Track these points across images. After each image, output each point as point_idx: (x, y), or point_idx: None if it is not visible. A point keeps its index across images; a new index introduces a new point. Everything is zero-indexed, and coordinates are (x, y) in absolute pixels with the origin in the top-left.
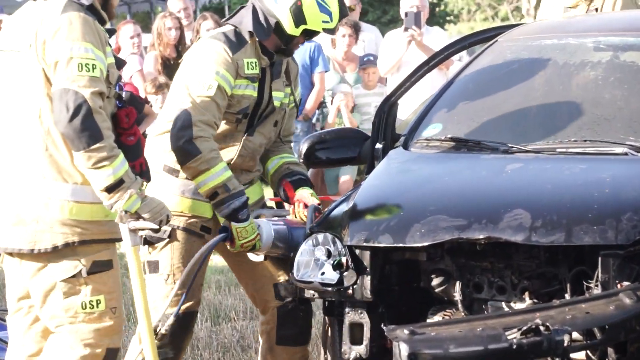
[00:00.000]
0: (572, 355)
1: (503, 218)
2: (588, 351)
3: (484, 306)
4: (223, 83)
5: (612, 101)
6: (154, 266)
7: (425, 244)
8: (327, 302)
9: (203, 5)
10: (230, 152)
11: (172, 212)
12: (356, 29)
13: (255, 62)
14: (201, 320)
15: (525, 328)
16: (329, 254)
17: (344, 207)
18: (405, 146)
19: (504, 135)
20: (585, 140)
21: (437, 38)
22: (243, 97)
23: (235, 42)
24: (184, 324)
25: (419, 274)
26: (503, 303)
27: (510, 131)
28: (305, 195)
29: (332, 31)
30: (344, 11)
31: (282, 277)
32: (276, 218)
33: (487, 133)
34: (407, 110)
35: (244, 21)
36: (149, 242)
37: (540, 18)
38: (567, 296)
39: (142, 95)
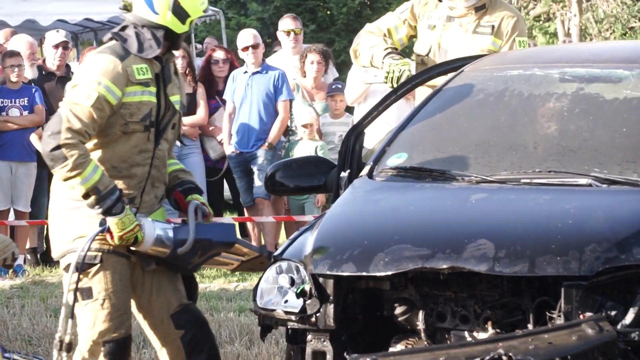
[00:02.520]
0: None
1: (467, 248)
2: None
3: (446, 335)
4: (105, 93)
5: (577, 132)
6: (87, 293)
7: (389, 273)
8: (290, 330)
9: None
10: (146, 166)
11: (98, 238)
12: (325, 56)
13: (146, 68)
14: None
15: (488, 358)
16: (292, 282)
17: (308, 235)
18: (370, 175)
19: (469, 165)
20: (549, 171)
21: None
22: (141, 103)
23: (122, 51)
24: (118, 353)
25: (382, 303)
26: (466, 333)
27: (475, 161)
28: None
29: (207, 9)
30: None
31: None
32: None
33: (452, 163)
34: (373, 139)
35: (129, 42)
36: (78, 269)
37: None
38: (530, 326)
39: None
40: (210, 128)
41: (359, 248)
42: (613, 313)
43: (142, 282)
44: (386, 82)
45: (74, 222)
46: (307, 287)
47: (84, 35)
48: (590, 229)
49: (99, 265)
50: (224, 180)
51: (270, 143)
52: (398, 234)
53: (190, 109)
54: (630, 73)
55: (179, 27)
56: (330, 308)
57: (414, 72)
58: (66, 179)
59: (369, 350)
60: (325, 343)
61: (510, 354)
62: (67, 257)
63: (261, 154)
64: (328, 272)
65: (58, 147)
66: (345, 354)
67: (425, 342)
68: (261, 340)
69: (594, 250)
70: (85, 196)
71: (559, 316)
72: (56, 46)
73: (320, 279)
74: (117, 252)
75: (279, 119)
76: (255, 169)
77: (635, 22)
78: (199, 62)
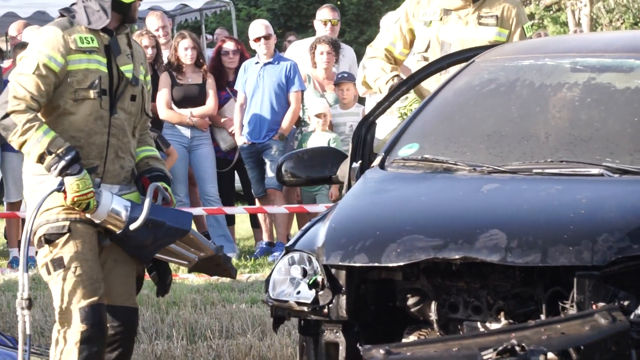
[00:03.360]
0: None
1: (479, 238)
2: None
3: (459, 326)
4: (47, 61)
5: (589, 122)
6: (58, 263)
7: (401, 263)
8: (302, 321)
9: (179, 24)
10: (104, 135)
11: (63, 208)
12: (335, 47)
13: (91, 38)
14: (177, 339)
15: (500, 348)
16: (304, 273)
17: (320, 226)
18: (382, 166)
19: (480, 155)
20: (561, 161)
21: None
22: (88, 71)
23: (67, 23)
24: (95, 317)
25: (395, 294)
26: (478, 323)
27: (486, 151)
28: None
29: None
30: None
31: (127, 301)
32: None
33: (464, 153)
34: (385, 130)
35: (77, 17)
36: (48, 240)
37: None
38: (543, 316)
39: None
40: (222, 120)
41: (371, 239)
42: (626, 303)
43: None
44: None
45: (40, 196)
46: (319, 278)
47: None
48: (603, 218)
49: (67, 234)
50: (235, 171)
51: (282, 134)
52: (410, 224)
53: (200, 99)
54: None
55: None
56: (343, 299)
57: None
58: (20, 146)
59: (382, 341)
60: (337, 334)
61: (523, 344)
62: (38, 230)
63: (273, 144)
64: (340, 263)
65: (7, 115)
66: (358, 345)
67: (438, 333)
68: (274, 331)
69: (607, 240)
70: (40, 159)
71: (572, 306)
72: None
73: (333, 270)
74: (85, 220)
75: (291, 109)
76: (267, 160)
77: None
78: (209, 53)
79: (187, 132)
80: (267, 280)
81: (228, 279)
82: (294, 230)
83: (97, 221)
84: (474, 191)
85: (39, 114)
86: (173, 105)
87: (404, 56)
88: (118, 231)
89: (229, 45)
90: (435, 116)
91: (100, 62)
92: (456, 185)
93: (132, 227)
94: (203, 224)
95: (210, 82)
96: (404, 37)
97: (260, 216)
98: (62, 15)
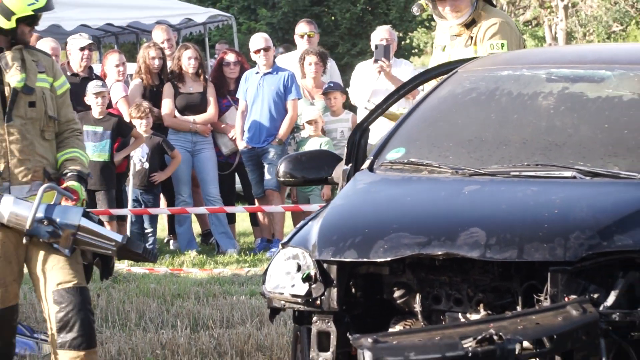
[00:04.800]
0: None
1: (460, 236)
2: (538, 359)
3: (442, 317)
4: None
5: (563, 128)
6: None
7: (388, 259)
8: (297, 312)
9: (184, 37)
10: (3, 142)
11: None
12: (322, 58)
13: None
14: (181, 328)
15: (480, 337)
16: (298, 268)
17: (313, 224)
18: (371, 168)
19: (462, 159)
20: (537, 165)
21: (404, 69)
22: None
23: None
24: (2, 318)
25: (382, 287)
26: (460, 314)
27: (468, 155)
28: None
29: (47, 7)
30: None
31: (72, 282)
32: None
33: (447, 157)
34: (378, 135)
35: None
36: None
37: (436, 45)
38: (519, 308)
39: (127, 119)
40: (222, 126)
41: (360, 236)
42: (596, 296)
43: (31, 257)
44: None
45: None
46: (312, 273)
47: (105, 39)
48: (575, 217)
49: None
50: (236, 174)
51: (280, 139)
52: (396, 222)
53: (202, 107)
54: (612, 73)
55: (4, 23)
56: (334, 292)
57: None
58: None
59: (370, 331)
60: (329, 324)
61: (501, 334)
62: None
63: (271, 149)
64: (332, 259)
65: None
66: (348, 334)
67: (422, 323)
68: (270, 321)
69: (578, 238)
70: None
71: (546, 299)
72: (82, 49)
73: (325, 265)
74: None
75: (288, 116)
76: (265, 163)
77: (617, 26)
78: (212, 64)
79: (190, 137)
80: (265, 274)
81: (229, 273)
82: (289, 228)
83: (3, 222)
84: (456, 192)
85: None
86: (176, 113)
87: None
88: (25, 230)
89: (230, 57)
90: (421, 122)
91: None
92: (439, 187)
93: (27, 226)
94: (206, 222)
95: (211, 90)
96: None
97: (260, 215)
98: None
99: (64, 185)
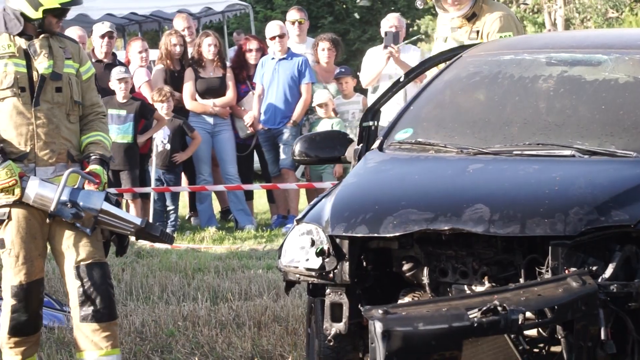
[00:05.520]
0: (525, 332)
1: (465, 212)
2: (540, 329)
3: (448, 289)
4: None
5: (562, 110)
6: (1, 243)
7: (397, 234)
8: (311, 285)
9: (204, 25)
10: (30, 125)
11: (4, 194)
12: (335, 44)
13: (8, 44)
14: (202, 301)
15: (484, 308)
16: (312, 243)
17: (326, 202)
18: (380, 148)
19: (467, 139)
20: (538, 144)
21: (412, 55)
22: (6, 73)
23: None
24: (21, 294)
25: (392, 261)
26: (465, 286)
27: (472, 135)
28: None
29: (73, 2)
30: None
31: (93, 258)
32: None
33: (452, 137)
34: (388, 117)
35: None
36: None
37: (437, 36)
38: (522, 280)
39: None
40: (242, 109)
41: (370, 212)
42: (594, 268)
43: (54, 234)
44: None
45: None
46: (325, 247)
47: (129, 27)
48: (574, 194)
49: (7, 220)
50: (255, 154)
51: (295, 121)
52: (405, 199)
53: (221, 90)
54: (608, 57)
55: (31, 12)
56: (346, 265)
57: None
58: None
59: (380, 302)
60: (342, 296)
61: (505, 305)
62: None
63: (286, 130)
64: (344, 234)
65: None
66: (359, 306)
67: (430, 295)
68: (286, 293)
69: (577, 213)
70: None
71: (547, 271)
72: (102, 36)
73: (337, 240)
74: (25, 204)
75: (302, 99)
76: (281, 143)
77: (612, 12)
78: (230, 52)
79: (210, 120)
80: (280, 249)
81: (247, 248)
82: (304, 205)
83: (29, 202)
84: (461, 170)
85: None
86: (197, 97)
87: None
88: (49, 211)
89: (253, 44)
90: (428, 104)
91: (17, 64)
92: (445, 165)
93: (51, 208)
94: (225, 199)
95: (229, 76)
96: None
97: (275, 192)
98: None
99: (88, 169)
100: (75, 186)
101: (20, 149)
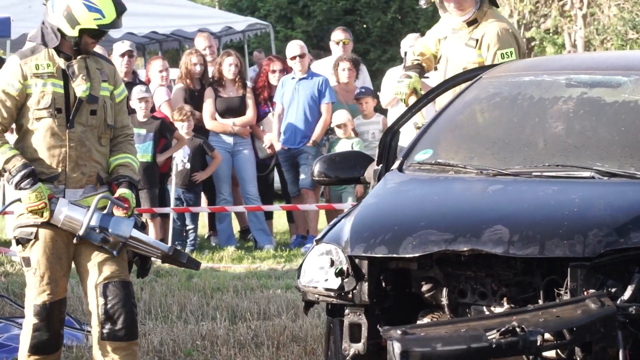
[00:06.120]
0: (544, 353)
1: (485, 233)
2: (558, 350)
3: (467, 310)
4: (5, 86)
5: (582, 131)
6: (26, 262)
7: (417, 254)
8: (330, 305)
9: (225, 44)
10: (63, 147)
11: (33, 215)
12: (355, 64)
13: (47, 64)
14: (220, 320)
15: (503, 329)
16: (332, 263)
17: (346, 222)
18: (400, 169)
19: (486, 160)
20: (557, 165)
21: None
22: (44, 93)
23: (28, 52)
24: (43, 314)
25: (411, 281)
26: (484, 307)
27: (492, 156)
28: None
29: (113, 25)
30: (119, 7)
31: (118, 277)
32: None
33: (472, 158)
34: (408, 137)
35: (37, 36)
36: (20, 242)
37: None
38: (540, 302)
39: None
40: (261, 129)
41: (390, 233)
42: (613, 290)
43: (80, 252)
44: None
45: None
46: (344, 267)
47: (150, 46)
48: (593, 216)
49: (33, 239)
50: (275, 173)
51: (315, 140)
52: (424, 220)
53: (241, 110)
54: (628, 79)
55: (68, 30)
56: (365, 286)
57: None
58: None
59: (399, 323)
60: (361, 316)
61: (523, 326)
62: (14, 232)
63: (306, 150)
64: (363, 254)
65: None
66: (378, 326)
67: (449, 316)
68: (305, 313)
69: (596, 235)
70: (0, 174)
71: (566, 293)
72: (122, 55)
73: (356, 260)
74: (52, 224)
75: (322, 119)
76: (300, 163)
77: (633, 34)
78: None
79: (229, 139)
80: (299, 269)
81: (266, 268)
82: (323, 224)
83: (57, 225)
84: (481, 191)
85: (1, 134)
86: (217, 116)
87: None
88: (77, 233)
89: (276, 66)
90: (447, 125)
91: (55, 84)
92: (465, 186)
93: (80, 232)
94: (244, 219)
95: (249, 95)
96: (437, 42)
97: (296, 212)
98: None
99: (117, 192)
100: (105, 211)
101: (51, 170)
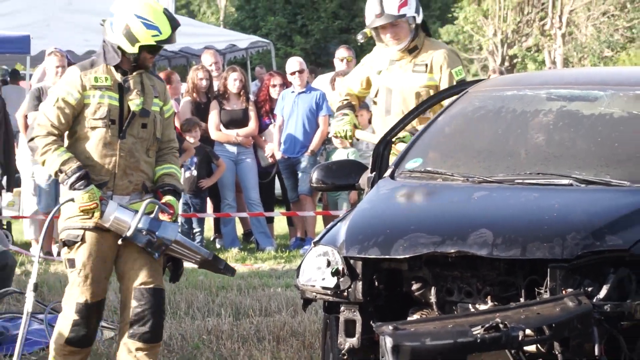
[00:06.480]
0: (525, 348)
1: (470, 236)
2: (538, 345)
3: (454, 307)
4: (65, 95)
5: (561, 142)
6: (71, 263)
7: (407, 256)
8: (326, 303)
9: (229, 60)
10: (114, 157)
11: (81, 217)
12: None
13: (106, 77)
14: (225, 316)
15: (487, 325)
16: (328, 263)
17: (342, 225)
18: (392, 176)
19: (472, 168)
20: (538, 174)
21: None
22: (101, 104)
23: (88, 65)
24: (84, 312)
25: (402, 281)
26: (470, 305)
27: (477, 165)
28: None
29: (168, 40)
30: (173, 23)
31: (152, 283)
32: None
33: (459, 166)
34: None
35: (100, 53)
36: (66, 243)
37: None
38: (522, 300)
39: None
40: (263, 139)
41: (382, 236)
42: (590, 289)
43: (121, 255)
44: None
45: (65, 206)
46: (340, 268)
47: (160, 62)
48: (571, 220)
49: (79, 242)
50: (276, 181)
51: (312, 150)
52: (414, 224)
53: (244, 121)
54: (604, 93)
55: (128, 47)
56: (359, 285)
57: (349, 128)
58: (42, 163)
59: (391, 319)
60: (355, 313)
61: (506, 322)
62: (61, 234)
63: (304, 159)
64: (357, 255)
65: (32, 139)
66: (371, 322)
67: (437, 313)
68: (303, 310)
69: (574, 238)
70: (56, 175)
71: (546, 292)
72: None
73: (351, 261)
74: (98, 228)
75: (320, 130)
76: (299, 171)
77: (608, 52)
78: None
79: (233, 149)
80: (298, 269)
81: (267, 268)
82: (320, 228)
83: (106, 225)
84: (467, 197)
85: (58, 138)
86: (221, 127)
87: (363, 95)
88: (123, 235)
89: (277, 80)
90: (436, 136)
91: (112, 97)
92: (452, 193)
93: (127, 233)
94: (247, 223)
95: (252, 107)
96: (361, 82)
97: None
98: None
99: (163, 199)
100: (152, 215)
101: (100, 177)
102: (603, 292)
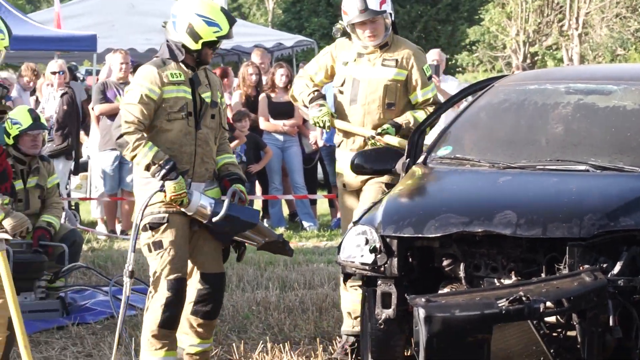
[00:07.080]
0: (546, 319)
1: (496, 216)
2: (558, 316)
3: (481, 282)
4: (147, 92)
5: (578, 132)
6: (158, 244)
7: (438, 235)
8: (365, 277)
9: (276, 57)
10: (192, 146)
11: (164, 204)
12: None
13: (179, 73)
14: (272, 289)
15: (511, 298)
16: (366, 241)
17: (379, 207)
18: (425, 162)
19: (497, 155)
20: (557, 160)
21: (451, 84)
22: (177, 98)
23: (160, 63)
24: (176, 287)
25: (434, 257)
26: (495, 279)
27: (502, 153)
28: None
29: (227, 35)
30: (231, 19)
31: (216, 269)
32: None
33: (485, 154)
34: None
35: (164, 53)
36: (152, 227)
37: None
38: (543, 275)
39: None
40: (307, 128)
41: (416, 216)
42: (605, 265)
43: (193, 240)
44: (316, 126)
45: (145, 194)
46: (377, 245)
47: (214, 59)
48: (588, 203)
49: (166, 224)
50: (318, 166)
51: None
52: (445, 206)
53: (290, 113)
54: (618, 88)
55: (192, 44)
56: (395, 261)
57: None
58: (132, 158)
59: (424, 292)
60: (391, 287)
61: (528, 295)
62: (144, 219)
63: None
64: (393, 234)
65: (121, 136)
66: (405, 295)
67: (465, 286)
68: (344, 284)
69: (591, 219)
70: (147, 168)
71: (564, 268)
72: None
73: (387, 239)
74: (179, 213)
75: None
76: None
77: (620, 50)
78: None
79: (280, 137)
80: (339, 247)
81: (310, 245)
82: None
83: (189, 213)
84: (493, 182)
85: (144, 134)
86: (270, 118)
87: (323, 84)
88: (204, 221)
89: None
90: (464, 126)
91: (186, 91)
92: (479, 177)
93: (215, 219)
94: (292, 204)
95: None
96: (326, 70)
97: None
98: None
99: (233, 187)
100: (234, 201)
101: (182, 165)
102: (617, 268)
